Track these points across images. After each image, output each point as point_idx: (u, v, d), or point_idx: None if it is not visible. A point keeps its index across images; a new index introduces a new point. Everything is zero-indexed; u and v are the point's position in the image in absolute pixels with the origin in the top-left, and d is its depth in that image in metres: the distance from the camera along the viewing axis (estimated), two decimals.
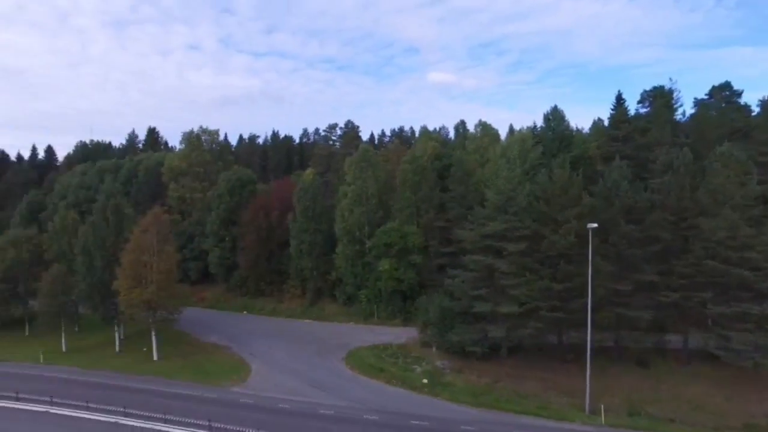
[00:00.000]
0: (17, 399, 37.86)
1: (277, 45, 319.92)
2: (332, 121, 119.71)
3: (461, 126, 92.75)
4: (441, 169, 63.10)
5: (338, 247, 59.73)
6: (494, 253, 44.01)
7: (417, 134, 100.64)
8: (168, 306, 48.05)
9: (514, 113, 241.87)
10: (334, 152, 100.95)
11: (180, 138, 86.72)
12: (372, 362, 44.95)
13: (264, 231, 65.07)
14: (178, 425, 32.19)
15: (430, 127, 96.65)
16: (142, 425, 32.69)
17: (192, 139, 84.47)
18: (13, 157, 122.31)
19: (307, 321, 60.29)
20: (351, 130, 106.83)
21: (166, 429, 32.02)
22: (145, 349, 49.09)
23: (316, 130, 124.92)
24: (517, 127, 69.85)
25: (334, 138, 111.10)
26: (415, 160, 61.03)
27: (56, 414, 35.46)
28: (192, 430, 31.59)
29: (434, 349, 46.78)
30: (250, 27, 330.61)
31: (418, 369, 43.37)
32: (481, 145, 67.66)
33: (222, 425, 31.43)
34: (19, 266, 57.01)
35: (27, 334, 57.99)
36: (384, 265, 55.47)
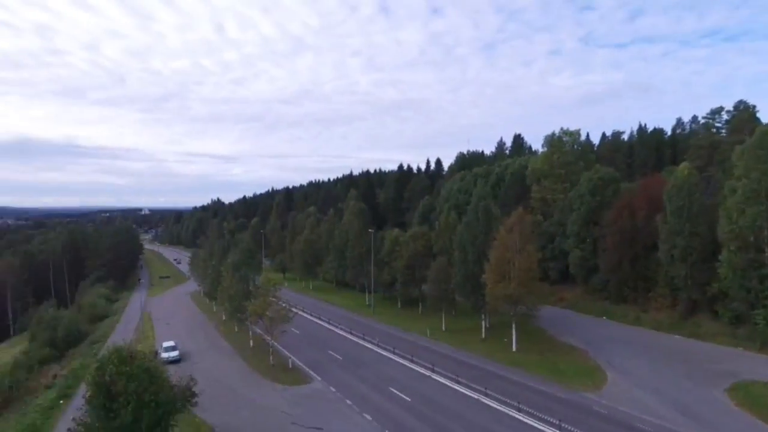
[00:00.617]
0: (412, 361, 48.17)
1: (642, 30, 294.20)
2: (715, 105, 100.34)
3: None
4: None
5: (722, 254, 50.14)
6: None
7: None
8: (528, 302, 50.57)
9: None
10: (718, 141, 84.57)
11: (542, 141, 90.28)
12: None
13: (628, 232, 61.05)
14: (530, 417, 34.01)
15: None
16: (498, 408, 36.04)
17: (553, 141, 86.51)
18: (414, 170, 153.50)
19: (676, 336, 53.02)
20: (743, 111, 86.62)
21: (519, 417, 34.29)
22: (505, 340, 53.15)
23: (694, 118, 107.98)
24: None
25: (718, 124, 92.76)
26: None
27: (435, 379, 43.07)
28: (542, 425, 32.78)
29: None
30: (611, 18, 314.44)
31: None
32: None
33: (571, 428, 31.65)
34: (415, 257, 70.82)
35: (420, 312, 71.44)
36: None
